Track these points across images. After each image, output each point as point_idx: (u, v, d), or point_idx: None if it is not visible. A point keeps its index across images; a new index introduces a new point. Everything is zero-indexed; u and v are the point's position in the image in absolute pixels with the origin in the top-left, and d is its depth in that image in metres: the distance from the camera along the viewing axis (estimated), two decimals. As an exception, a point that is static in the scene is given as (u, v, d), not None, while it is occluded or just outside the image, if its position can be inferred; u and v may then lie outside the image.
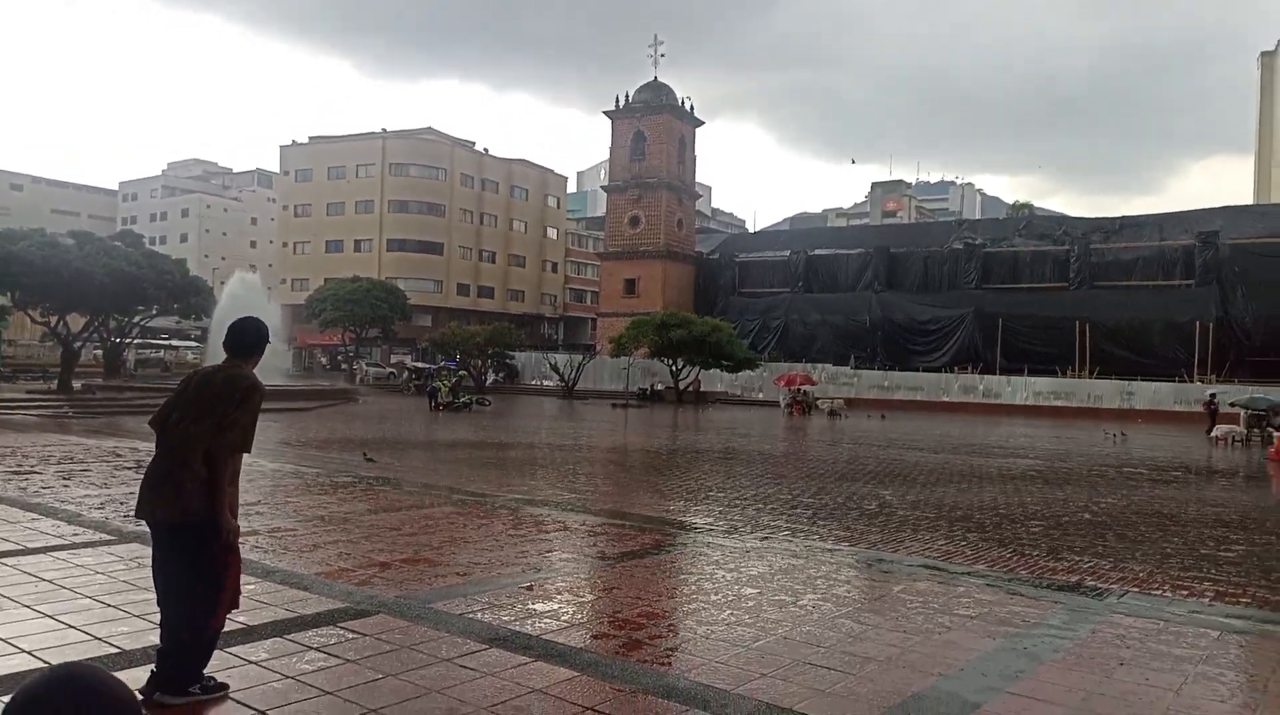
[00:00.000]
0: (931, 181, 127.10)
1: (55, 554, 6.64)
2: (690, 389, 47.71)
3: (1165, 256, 54.69)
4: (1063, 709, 4.12)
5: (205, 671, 3.99)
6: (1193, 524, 10.74)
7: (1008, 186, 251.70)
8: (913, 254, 62.29)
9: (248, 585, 5.81)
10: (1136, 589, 6.89)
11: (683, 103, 68.05)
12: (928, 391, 50.07)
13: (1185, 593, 6.92)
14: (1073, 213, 79.43)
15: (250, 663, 4.38)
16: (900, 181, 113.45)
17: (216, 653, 4.45)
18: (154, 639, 4.63)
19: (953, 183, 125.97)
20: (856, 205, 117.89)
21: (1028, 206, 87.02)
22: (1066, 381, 48.78)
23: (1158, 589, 7.00)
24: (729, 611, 5.66)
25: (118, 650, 4.54)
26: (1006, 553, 8.44)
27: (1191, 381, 45.96)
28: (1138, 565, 8.02)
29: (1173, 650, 5.10)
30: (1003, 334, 53.69)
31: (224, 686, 4.00)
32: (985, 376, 50.65)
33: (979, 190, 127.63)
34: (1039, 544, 8.99)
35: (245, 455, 4.10)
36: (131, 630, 4.83)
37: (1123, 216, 59.51)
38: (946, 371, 52.20)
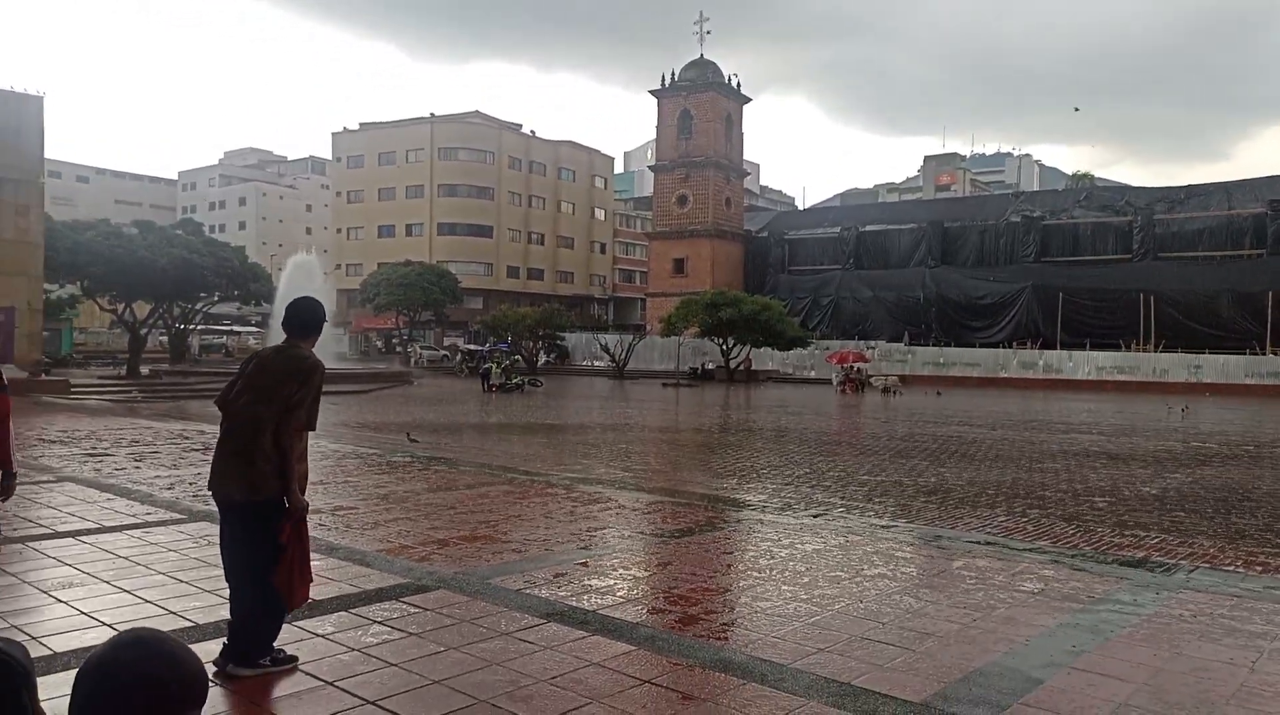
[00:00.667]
0: (987, 153, 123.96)
1: (130, 532, 6.89)
2: (741, 368, 47.51)
3: (1234, 225, 52.75)
4: (1130, 685, 4.03)
5: (275, 644, 4.10)
6: (1266, 500, 10.39)
7: (1066, 157, 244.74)
8: (968, 228, 61.00)
9: (314, 561, 5.97)
10: (1207, 564, 6.70)
11: (729, 79, 67.33)
12: (985, 367, 49.14)
13: (1260, 568, 6.71)
14: (1135, 183, 76.97)
15: (317, 635, 4.50)
16: (954, 154, 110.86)
17: (285, 626, 4.58)
18: (225, 613, 4.78)
19: (1009, 154, 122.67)
20: (909, 180, 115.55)
21: (1088, 177, 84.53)
22: (1130, 355, 47.47)
23: (1229, 564, 6.80)
24: (785, 587, 5.64)
25: (191, 624, 4.69)
26: (1069, 529, 8.26)
27: (1264, 354, 44.36)
28: (1207, 541, 7.80)
29: (1246, 626, 4.95)
30: (1063, 308, 52.38)
31: (293, 659, 4.11)
32: (1045, 351, 49.53)
33: (1036, 162, 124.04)
34: (1103, 520, 8.79)
35: (309, 434, 4.17)
36: (203, 605, 5.00)
37: (1188, 185, 57.49)
38: (1004, 347, 51.15)
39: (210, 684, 1.31)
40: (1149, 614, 5.19)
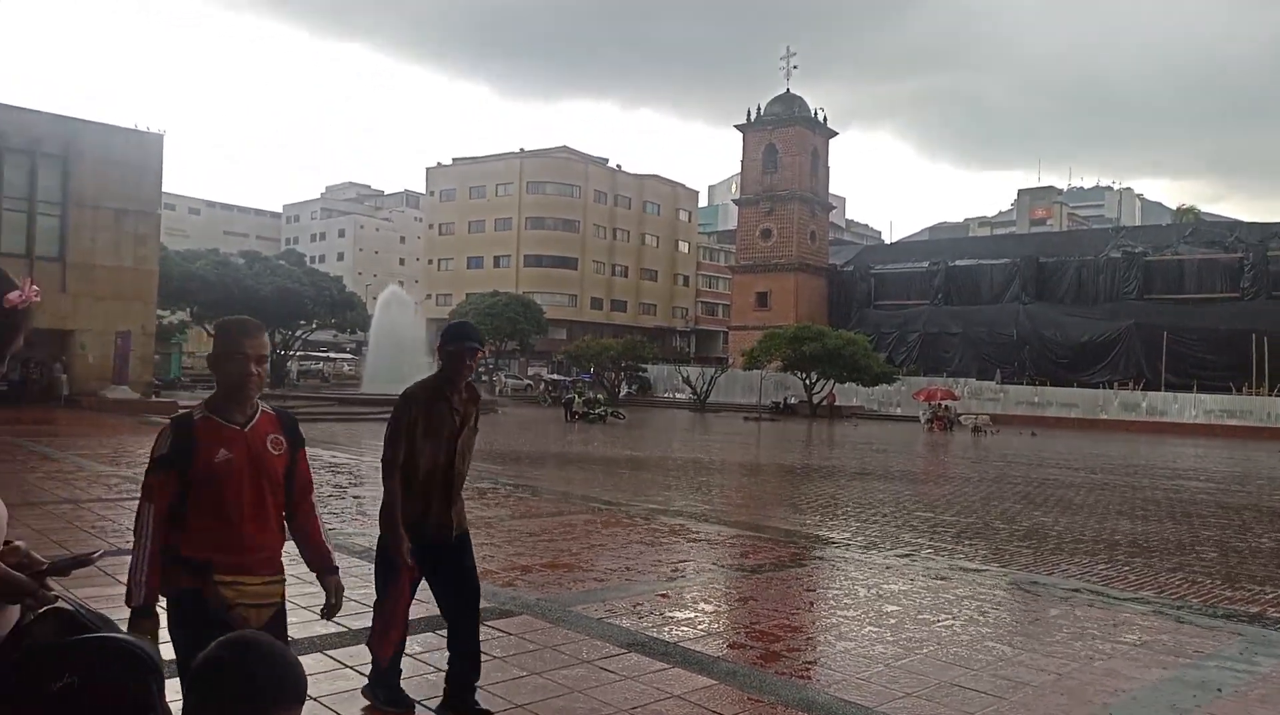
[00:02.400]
0: (1085, 187, 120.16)
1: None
2: (824, 403, 46.80)
3: (1357, 262, 49.67)
4: (1244, 748, 3.80)
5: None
6: (1396, 556, 9.66)
7: (1169, 191, 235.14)
8: (1065, 263, 59.05)
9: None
10: (1329, 624, 6.26)
11: (815, 114, 67.19)
12: (1084, 408, 47.20)
13: (1388, 631, 6.23)
14: (1245, 218, 73.32)
15: (406, 655, 4.59)
16: (1050, 188, 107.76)
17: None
18: (320, 629, 4.94)
19: (1109, 188, 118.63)
20: (1001, 213, 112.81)
21: (1193, 211, 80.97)
22: (1241, 398, 44.95)
23: (1355, 625, 6.33)
24: (870, 628, 5.51)
25: (289, 638, 4.85)
26: (1175, 579, 7.85)
27: (1390, 399, 41.45)
28: (1330, 599, 7.29)
29: (1375, 692, 4.61)
30: (1168, 348, 50.02)
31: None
32: (1148, 393, 47.31)
33: (1138, 195, 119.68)
34: (1213, 571, 8.32)
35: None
36: (299, 620, 5.14)
37: (1305, 220, 54.41)
38: (1105, 387, 49.08)
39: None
40: (1264, 673, 4.88)
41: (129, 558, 2.56)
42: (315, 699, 3.95)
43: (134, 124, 28.35)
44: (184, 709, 1.34)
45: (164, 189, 29.38)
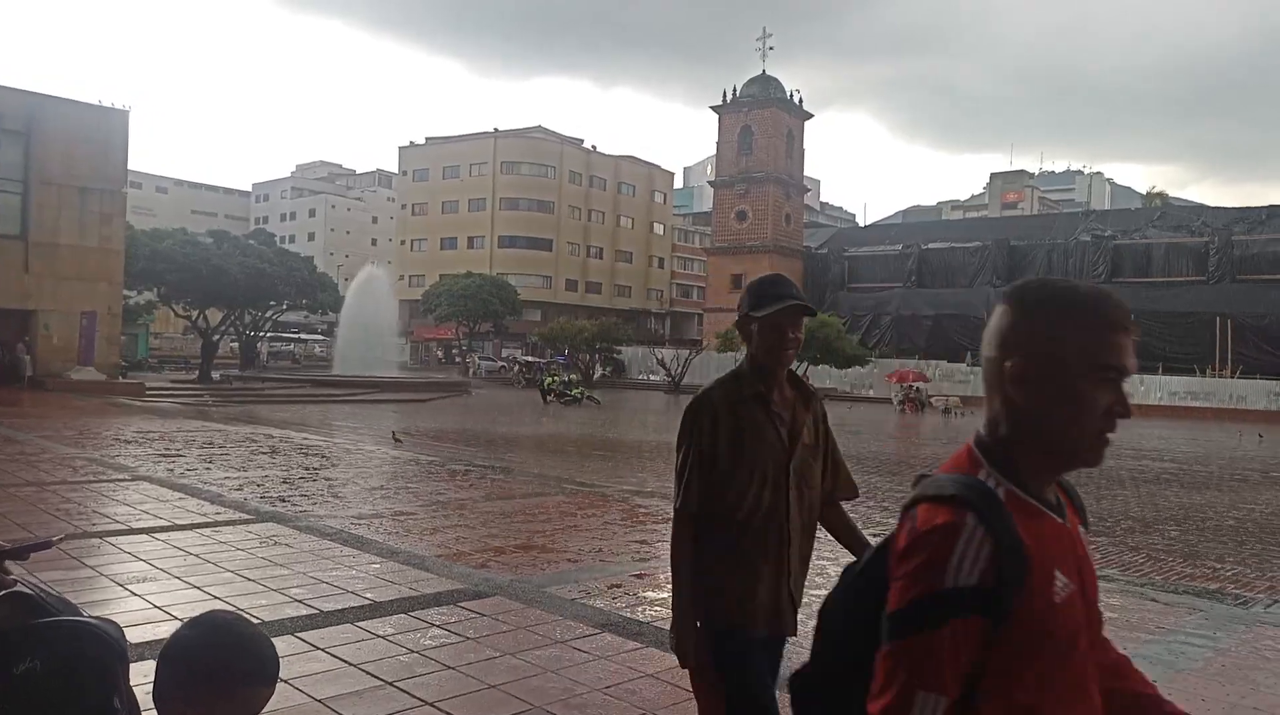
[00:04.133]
0: (1056, 171, 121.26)
1: (200, 530, 7.12)
2: (798, 385, 47.07)
3: (1319, 247, 50.65)
4: (1203, 721, 3.89)
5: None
6: (1351, 534, 9.92)
7: (1140, 176, 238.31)
8: (1035, 247, 59.69)
9: (372, 565, 6.10)
10: (1286, 600, 6.42)
11: (791, 95, 67.13)
12: (1050, 390, 47.82)
13: (1343, 606, 6.40)
14: (1213, 203, 74.42)
15: (378, 636, 4.59)
16: (1022, 172, 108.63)
17: (348, 626, 4.69)
18: (290, 611, 4.92)
19: (1079, 172, 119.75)
20: (974, 197, 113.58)
21: (1161, 196, 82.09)
22: (1206, 381, 45.82)
23: (1310, 601, 6.50)
24: (841, 607, 5.57)
25: (259, 621, 4.82)
26: (1139, 558, 8.00)
27: (1349, 382, 42.44)
28: (1287, 575, 7.48)
29: (1329, 666, 4.73)
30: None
31: None
32: (1114, 375, 48.02)
33: (1108, 180, 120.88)
34: (1175, 550, 8.49)
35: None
36: (270, 603, 5.13)
37: (1269, 206, 55.40)
38: (1071, 369, 49.74)
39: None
40: (1224, 648, 4.99)
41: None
42: (287, 681, 3.93)
43: (99, 100, 27.74)
44: (153, 691, 1.33)
45: (130, 167, 28.82)
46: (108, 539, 6.60)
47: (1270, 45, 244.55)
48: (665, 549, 7.50)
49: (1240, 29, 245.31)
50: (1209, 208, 62.54)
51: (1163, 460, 18.76)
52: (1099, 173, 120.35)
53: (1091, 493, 12.69)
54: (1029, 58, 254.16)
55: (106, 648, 1.36)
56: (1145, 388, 46.24)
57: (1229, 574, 7.41)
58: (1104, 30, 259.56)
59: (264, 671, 1.34)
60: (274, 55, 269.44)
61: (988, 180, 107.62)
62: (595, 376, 50.28)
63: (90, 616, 1.46)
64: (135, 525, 7.20)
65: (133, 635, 4.37)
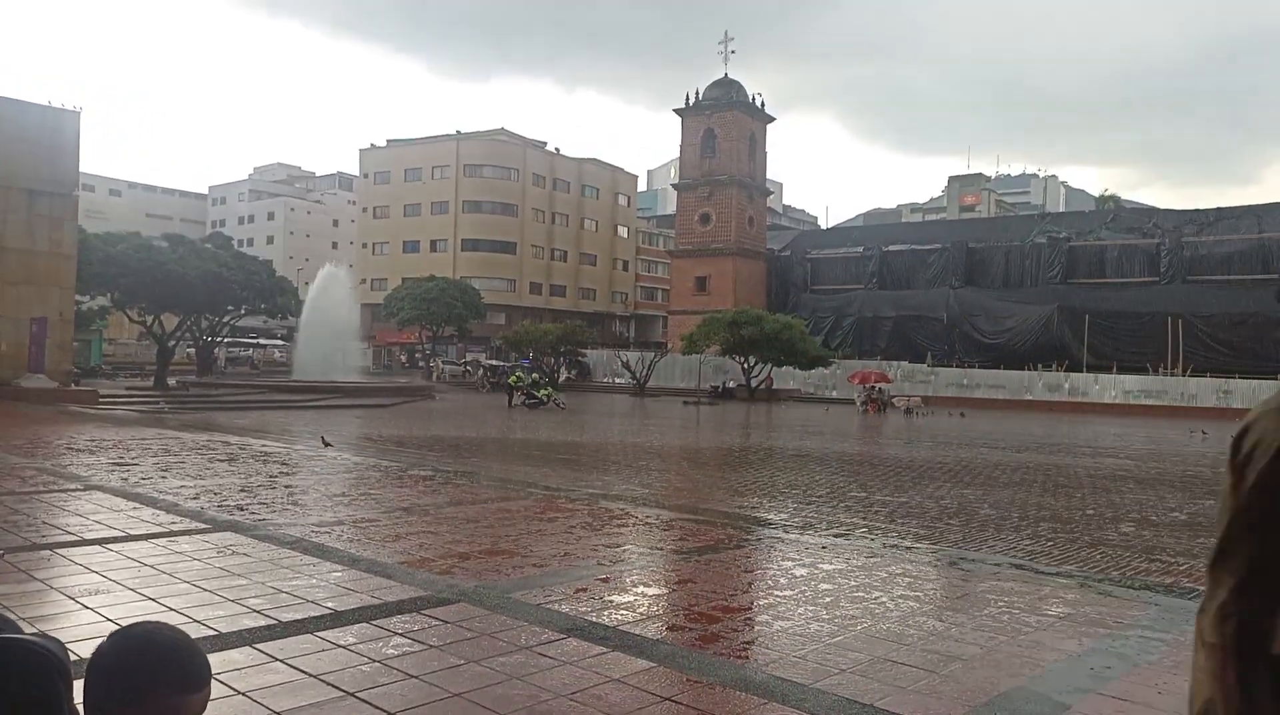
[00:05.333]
0: (1012, 174, 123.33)
1: (155, 541, 6.95)
2: (762, 387, 47.37)
3: (1265, 249, 52.11)
4: (1159, 712, 3.96)
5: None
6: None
7: (1094, 179, 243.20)
8: (992, 249, 60.69)
9: (333, 573, 6.01)
10: (1237, 593, 6.57)
11: (753, 99, 67.59)
12: (1010, 390, 48.68)
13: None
14: (1163, 205, 76.20)
15: (339, 646, 4.52)
16: (979, 175, 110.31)
17: (307, 636, 4.60)
18: (248, 622, 4.82)
19: (1035, 175, 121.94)
20: (933, 200, 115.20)
21: (1114, 198, 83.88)
22: (1158, 379, 46.88)
23: (1261, 593, 6.66)
24: (806, 607, 5.60)
25: (215, 632, 4.72)
26: (1096, 554, 8.15)
27: (1295, 379, 43.63)
28: (1238, 569, 7.66)
29: (1279, 656, 4.84)
30: (1089, 331, 51.86)
31: None
32: (1071, 374, 49.01)
33: (1063, 183, 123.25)
34: (1131, 545, 8.66)
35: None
36: (227, 614, 5.02)
37: (1217, 208, 56.89)
38: (1030, 369, 50.69)
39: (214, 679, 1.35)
40: (1179, 640, 5.09)
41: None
42: (244, 694, 3.85)
43: (49, 100, 27.05)
44: (83, 705, 1.31)
45: (82, 169, 28.14)
46: (58, 551, 6.42)
47: (1209, 50, 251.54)
48: (632, 552, 7.49)
49: (1182, 34, 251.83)
50: (1160, 210, 64.04)
51: (1118, 457, 19.15)
52: (1054, 175, 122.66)
53: (1050, 491, 12.91)
54: (981, 63, 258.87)
55: (48, 665, 1.31)
56: (1100, 386, 47.23)
57: (1184, 568, 7.56)
58: (1052, 36, 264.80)
59: (187, 679, 1.31)
60: (230, 56, 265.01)
61: (946, 183, 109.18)
62: (560, 379, 50.13)
63: (30, 635, 1.41)
64: (87, 536, 7.01)
65: (85, 650, 4.25)
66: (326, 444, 15.05)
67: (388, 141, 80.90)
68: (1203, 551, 8.42)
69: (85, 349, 38.91)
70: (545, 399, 32.40)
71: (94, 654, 1.33)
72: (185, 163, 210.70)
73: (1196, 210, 57.94)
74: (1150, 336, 50.39)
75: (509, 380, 33.89)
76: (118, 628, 1.37)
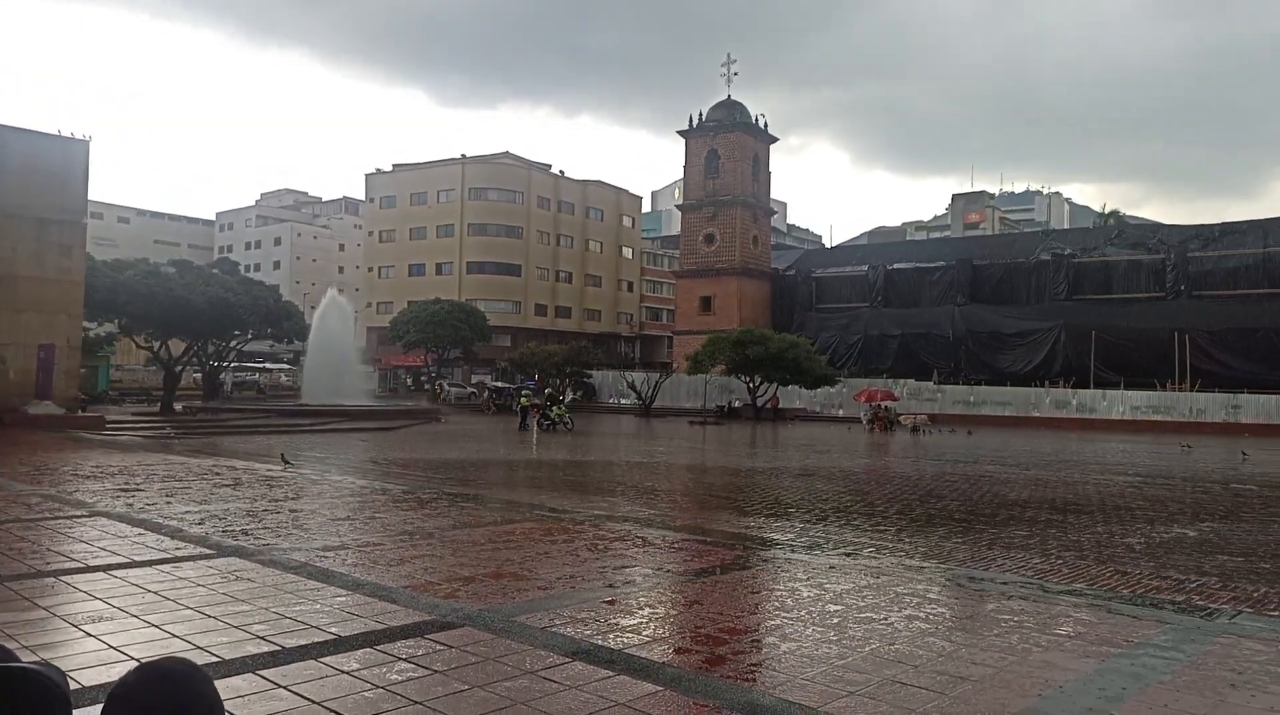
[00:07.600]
0: (1016, 191, 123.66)
1: (159, 567, 6.93)
2: (768, 406, 47.27)
3: (1270, 263, 51.98)
4: (1173, 734, 3.90)
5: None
6: (1310, 543, 10.10)
7: (1097, 195, 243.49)
8: (997, 266, 60.67)
9: (337, 598, 5.98)
10: (1250, 609, 6.50)
11: (756, 120, 67.94)
12: (1016, 407, 48.49)
13: (1305, 615, 6.49)
14: (1167, 221, 76.16)
15: (342, 672, 4.49)
16: (982, 192, 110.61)
17: (311, 662, 4.58)
18: (252, 648, 4.79)
19: (1038, 192, 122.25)
20: (936, 218, 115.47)
21: (1115, 214, 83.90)
22: (1166, 395, 46.66)
23: (1274, 609, 6.59)
24: (813, 628, 5.55)
25: (218, 659, 4.69)
26: (1106, 571, 8.07)
27: (1304, 393, 43.40)
28: (1251, 585, 7.58)
29: (1293, 675, 4.78)
30: (1096, 347, 51.70)
31: None
32: (1078, 391, 48.82)
33: (1066, 199, 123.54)
34: (1141, 562, 8.58)
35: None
36: (230, 640, 5.00)
37: (1223, 223, 56.83)
38: (1037, 386, 50.50)
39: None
40: (1191, 659, 5.03)
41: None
42: (247, 721, 3.82)
43: (58, 130, 27.34)
44: None
45: (91, 197, 28.37)
46: (62, 577, 6.41)
47: (1210, 66, 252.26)
48: (638, 574, 7.48)
49: (1178, 53, 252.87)
50: (1164, 225, 63.99)
51: (1126, 474, 19.03)
52: (1057, 192, 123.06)
53: (1059, 508, 12.82)
54: (982, 82, 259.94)
55: (49, 695, 1.30)
56: (1107, 402, 47.02)
57: (1194, 585, 7.49)
58: (1053, 54, 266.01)
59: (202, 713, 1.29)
60: (237, 84, 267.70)
61: (950, 201, 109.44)
62: (566, 400, 50.09)
63: (31, 662, 1.40)
64: (92, 563, 7.00)
65: (87, 677, 4.25)
66: (287, 462, 15.05)
67: (393, 166, 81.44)
68: (1215, 569, 8.34)
69: (93, 375, 38.99)
70: (558, 419, 31.87)
71: (118, 684, 1.29)
72: (193, 190, 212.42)
73: (1201, 225, 57.89)
74: (1157, 352, 50.20)
75: (520, 400, 33.66)
76: (144, 661, 1.35)
